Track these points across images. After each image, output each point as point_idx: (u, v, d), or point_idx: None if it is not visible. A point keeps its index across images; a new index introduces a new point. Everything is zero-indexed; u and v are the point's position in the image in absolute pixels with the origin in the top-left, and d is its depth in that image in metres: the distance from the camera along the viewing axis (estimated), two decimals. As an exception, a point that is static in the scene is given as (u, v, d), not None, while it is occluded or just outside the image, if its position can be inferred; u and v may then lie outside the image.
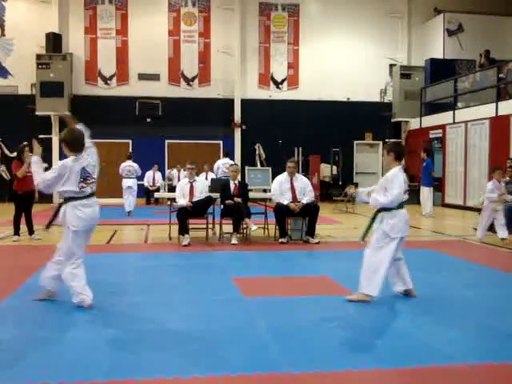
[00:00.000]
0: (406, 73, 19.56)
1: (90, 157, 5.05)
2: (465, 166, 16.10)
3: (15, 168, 9.18)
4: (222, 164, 15.02)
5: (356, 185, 18.89)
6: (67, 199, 4.99)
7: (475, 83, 17.01)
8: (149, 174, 17.68)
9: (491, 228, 10.87)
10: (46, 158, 20.58)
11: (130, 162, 14.32)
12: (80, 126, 5.16)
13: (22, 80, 18.39)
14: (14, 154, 12.09)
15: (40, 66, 17.96)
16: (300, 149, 19.25)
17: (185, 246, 8.66)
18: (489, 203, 9.45)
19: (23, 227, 9.38)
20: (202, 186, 9.44)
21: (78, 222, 4.93)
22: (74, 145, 4.97)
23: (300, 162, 18.18)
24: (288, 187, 9.20)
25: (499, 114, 14.60)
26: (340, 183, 18.98)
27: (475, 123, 15.66)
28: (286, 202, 9.03)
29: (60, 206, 5.05)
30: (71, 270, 4.94)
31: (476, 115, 15.67)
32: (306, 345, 3.93)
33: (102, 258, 7.73)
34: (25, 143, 9.55)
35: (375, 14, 19.98)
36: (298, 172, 10.06)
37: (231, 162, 13.31)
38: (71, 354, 3.72)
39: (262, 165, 18.60)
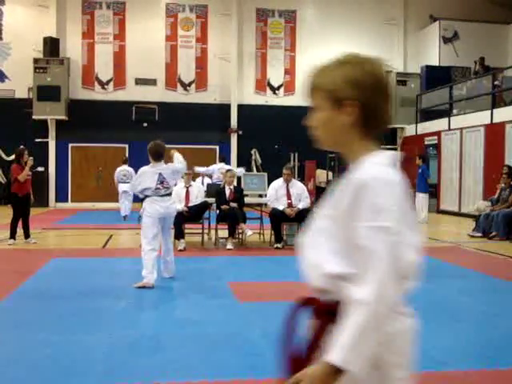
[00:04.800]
0: (402, 79, 19.63)
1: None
2: (460, 173, 16.15)
3: (16, 172, 9.17)
4: (218, 169, 15.02)
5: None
6: None
7: (471, 90, 17.10)
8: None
9: (487, 234, 10.92)
10: (43, 162, 20.50)
11: (125, 167, 14.33)
12: None
13: (19, 84, 18.38)
14: (11, 157, 12.08)
15: (37, 70, 17.96)
16: (296, 154, 19.28)
17: (180, 250, 8.66)
18: None
19: (19, 231, 9.37)
20: (198, 190, 9.46)
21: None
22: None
23: (296, 168, 18.21)
24: (284, 193, 9.23)
25: (494, 121, 14.67)
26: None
27: (470, 130, 15.73)
28: (281, 208, 9.05)
29: None
30: None
31: (471, 122, 15.73)
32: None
33: (98, 263, 7.74)
34: (22, 147, 9.56)
35: (371, 21, 20.07)
36: (294, 177, 10.08)
37: (227, 167, 13.31)
38: (65, 358, 3.72)
39: (258, 170, 18.62)
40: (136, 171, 14.50)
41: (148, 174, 6.31)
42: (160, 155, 6.42)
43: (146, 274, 5.96)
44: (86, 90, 19.00)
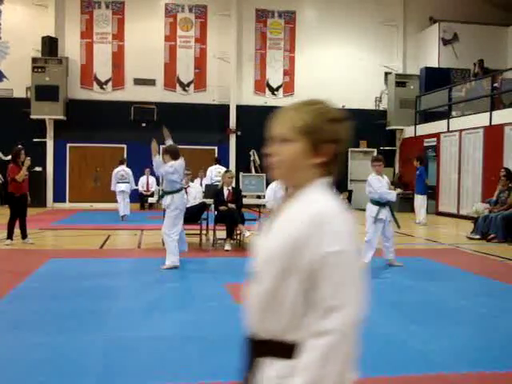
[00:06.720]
0: (401, 81, 19.62)
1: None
2: (458, 175, 16.15)
3: (13, 171, 9.12)
4: (214, 169, 14.99)
5: (350, 192, 18.94)
6: None
7: (470, 92, 17.10)
8: (143, 180, 17.62)
9: (486, 236, 10.91)
10: (40, 162, 20.42)
11: (123, 167, 14.31)
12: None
13: (18, 83, 18.34)
14: (9, 157, 12.04)
15: (35, 70, 17.91)
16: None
17: (178, 251, 8.63)
18: None
19: (16, 231, 9.33)
20: (196, 191, 9.43)
21: None
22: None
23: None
24: (282, 194, 9.20)
25: (493, 123, 14.68)
26: (334, 190, 18.98)
27: (469, 132, 15.74)
28: (280, 209, 9.02)
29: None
30: None
31: (470, 124, 15.74)
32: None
33: (95, 263, 7.70)
34: (20, 146, 9.52)
35: (371, 23, 20.07)
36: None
37: (223, 169, 13.29)
38: (61, 358, 3.69)
39: (256, 171, 18.60)
40: (135, 172, 14.71)
41: (178, 168, 7.48)
42: (178, 154, 7.71)
43: (171, 256, 7.19)
44: (84, 90, 18.96)
